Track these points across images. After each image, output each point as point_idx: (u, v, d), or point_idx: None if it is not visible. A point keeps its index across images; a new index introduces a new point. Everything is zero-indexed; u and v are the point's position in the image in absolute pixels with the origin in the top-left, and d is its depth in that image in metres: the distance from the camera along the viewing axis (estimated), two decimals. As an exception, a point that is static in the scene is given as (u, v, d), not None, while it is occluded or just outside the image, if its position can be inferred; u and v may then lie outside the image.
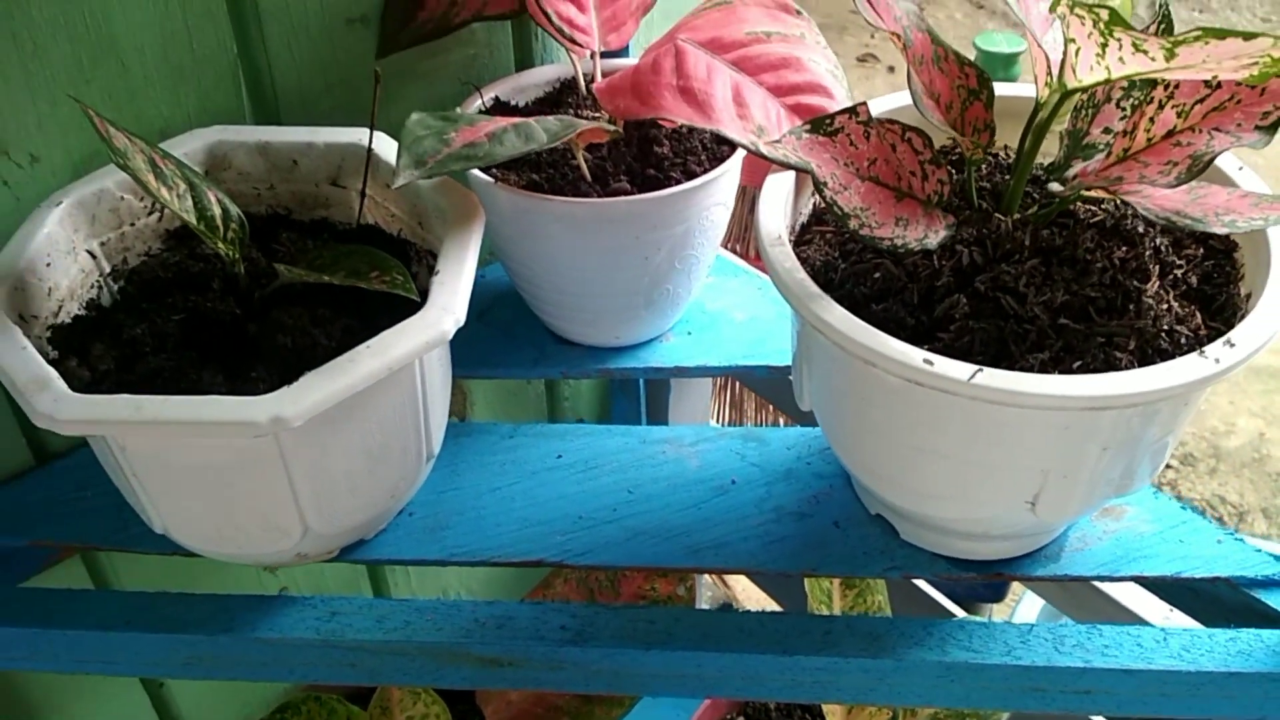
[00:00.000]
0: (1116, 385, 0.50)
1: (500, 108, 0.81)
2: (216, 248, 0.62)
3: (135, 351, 0.60)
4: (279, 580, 0.99)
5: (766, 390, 1.24)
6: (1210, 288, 0.60)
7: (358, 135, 0.72)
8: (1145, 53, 0.46)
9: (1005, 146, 0.69)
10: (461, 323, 0.59)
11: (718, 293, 0.89)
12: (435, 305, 0.59)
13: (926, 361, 0.52)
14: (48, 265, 0.63)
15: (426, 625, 0.66)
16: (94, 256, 0.67)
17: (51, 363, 0.59)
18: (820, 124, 0.55)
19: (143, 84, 0.70)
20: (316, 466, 0.60)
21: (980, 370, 0.51)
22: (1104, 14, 0.46)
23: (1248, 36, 0.42)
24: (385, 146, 0.71)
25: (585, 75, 0.81)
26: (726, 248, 0.99)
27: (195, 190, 0.62)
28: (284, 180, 0.73)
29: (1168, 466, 2.13)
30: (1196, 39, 0.44)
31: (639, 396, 1.11)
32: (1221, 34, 0.43)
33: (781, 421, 1.33)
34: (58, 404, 0.54)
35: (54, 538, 0.71)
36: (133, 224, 0.69)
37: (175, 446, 0.57)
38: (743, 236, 1.27)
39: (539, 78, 0.84)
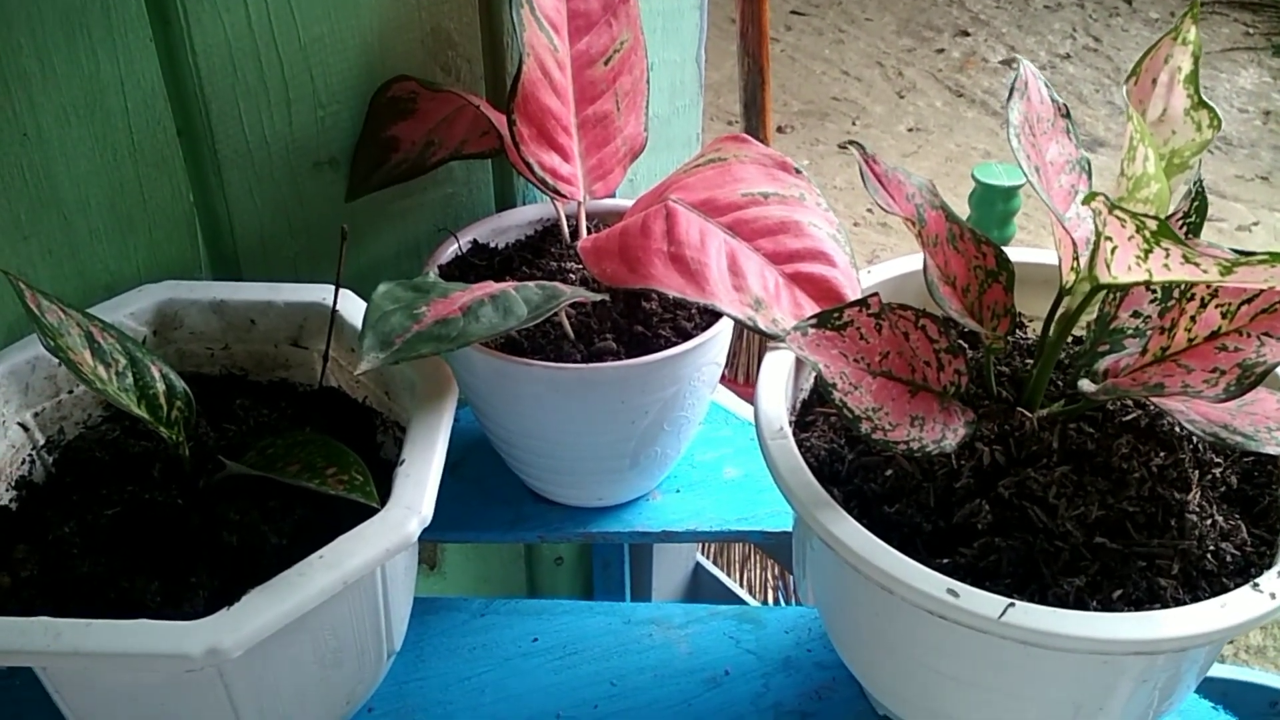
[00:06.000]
0: (1165, 628, 0.44)
1: (478, 251, 0.76)
2: (158, 431, 0.56)
3: (62, 554, 0.54)
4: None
5: (760, 543, 1.19)
6: (1251, 488, 0.55)
7: (321, 293, 0.66)
8: (1197, 265, 0.41)
9: (1021, 314, 0.64)
10: (428, 522, 0.53)
11: (708, 443, 0.83)
12: (399, 504, 0.53)
13: (951, 593, 0.46)
14: (-29, 446, 0.57)
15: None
16: (26, 429, 0.61)
17: (-32, 562, 0.53)
18: (828, 318, 0.50)
19: (87, 238, 0.64)
20: (261, 683, 0.53)
21: (1012, 605, 0.45)
22: (1151, 224, 0.41)
23: (1321, 265, 0.37)
24: (351, 307, 0.65)
25: (569, 218, 0.76)
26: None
27: (137, 365, 0.57)
28: (240, 340, 0.67)
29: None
30: (1262, 261, 0.39)
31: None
32: (1290, 261, 0.38)
33: (772, 567, 1.26)
34: (-36, 629, 0.47)
35: (-27, 734, 0.64)
36: (71, 391, 0.63)
37: (100, 670, 0.51)
38: (731, 361, 1.22)
39: (520, 218, 0.79)
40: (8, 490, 0.59)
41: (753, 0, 1.04)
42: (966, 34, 3.48)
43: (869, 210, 2.58)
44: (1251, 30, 3.51)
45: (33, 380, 0.61)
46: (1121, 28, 3.51)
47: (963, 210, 1.14)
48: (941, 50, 3.39)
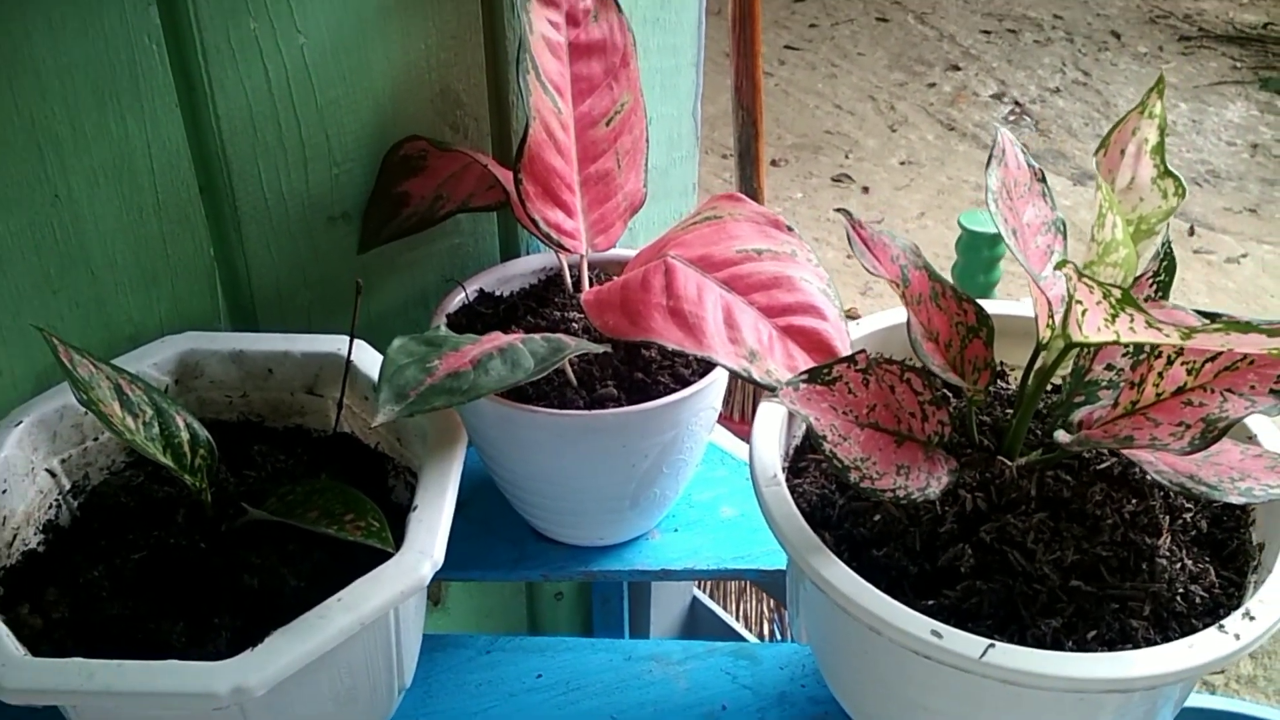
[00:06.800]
0: (1135, 667, 0.47)
1: (484, 299, 0.79)
2: (183, 478, 0.59)
3: (91, 596, 0.57)
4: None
5: (756, 580, 1.21)
6: (1221, 532, 0.58)
7: (335, 344, 0.69)
8: (1159, 329, 0.45)
9: (1001, 364, 0.67)
10: (440, 566, 0.56)
11: (705, 483, 0.86)
12: (413, 548, 0.56)
13: (935, 634, 0.49)
14: (3, 492, 0.60)
15: None
16: (54, 475, 0.64)
17: (1, 604, 0.56)
18: (818, 374, 0.53)
19: (113, 291, 0.67)
20: (280, 719, 0.56)
21: (992, 646, 0.48)
22: (1116, 292, 0.44)
23: (1272, 333, 0.41)
24: (365, 356, 0.68)
25: (572, 269, 0.79)
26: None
27: (163, 416, 0.60)
28: (258, 388, 0.70)
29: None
30: (1217, 329, 0.42)
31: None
32: (1245, 328, 0.41)
33: (768, 600, 1.29)
34: (4, 670, 0.50)
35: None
36: (96, 439, 0.66)
37: (129, 708, 0.54)
38: (727, 400, 1.25)
39: (524, 267, 0.82)
40: (36, 534, 0.62)
41: (746, 56, 1.08)
42: (957, 68, 3.53)
43: (862, 244, 2.62)
44: (1239, 64, 3.56)
45: (60, 428, 0.64)
46: (1111, 62, 3.57)
47: (950, 257, 1.17)
48: (933, 84, 3.44)
